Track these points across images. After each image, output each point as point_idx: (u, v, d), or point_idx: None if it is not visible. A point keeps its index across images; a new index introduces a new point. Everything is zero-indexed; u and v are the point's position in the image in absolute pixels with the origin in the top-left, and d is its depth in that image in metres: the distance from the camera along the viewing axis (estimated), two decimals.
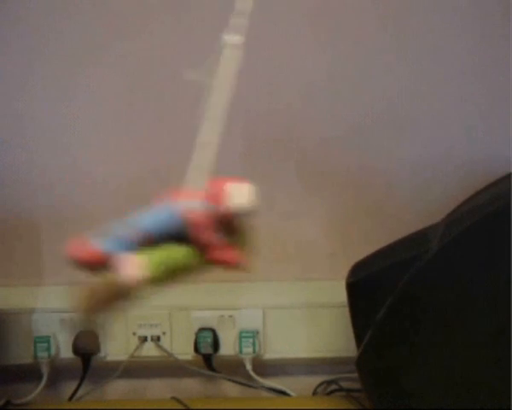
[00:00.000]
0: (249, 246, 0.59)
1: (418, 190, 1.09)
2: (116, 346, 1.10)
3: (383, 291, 0.88)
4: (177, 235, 0.56)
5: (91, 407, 1.08)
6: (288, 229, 1.11)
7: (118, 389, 1.13)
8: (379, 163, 1.09)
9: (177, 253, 0.56)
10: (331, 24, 1.06)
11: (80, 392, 1.11)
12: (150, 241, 0.56)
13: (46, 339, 1.08)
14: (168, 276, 0.56)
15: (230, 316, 1.09)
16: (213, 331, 1.08)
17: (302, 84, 1.08)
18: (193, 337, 1.08)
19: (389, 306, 0.87)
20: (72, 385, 1.11)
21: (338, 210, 1.11)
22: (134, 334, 1.09)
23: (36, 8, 1.05)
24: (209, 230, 0.56)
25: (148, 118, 1.09)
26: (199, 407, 1.06)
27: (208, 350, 1.08)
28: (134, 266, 0.54)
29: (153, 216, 0.57)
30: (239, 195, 0.57)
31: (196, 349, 1.08)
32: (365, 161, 1.09)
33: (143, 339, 1.09)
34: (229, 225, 0.57)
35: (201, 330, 1.08)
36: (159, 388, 1.14)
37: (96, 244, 0.55)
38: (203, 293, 1.11)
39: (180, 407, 1.07)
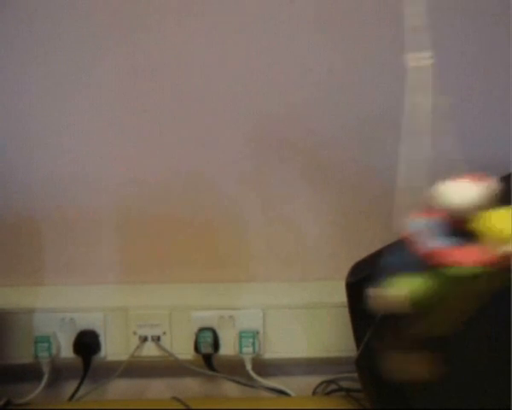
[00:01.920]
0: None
1: (418, 190, 1.09)
2: (116, 346, 1.10)
3: None
4: None
5: (91, 407, 1.09)
6: (289, 229, 1.12)
7: (118, 389, 1.13)
8: (379, 163, 1.09)
9: None
10: (333, 24, 1.06)
11: (80, 392, 1.11)
12: None
13: (46, 339, 1.08)
14: None
15: (230, 316, 1.09)
16: (213, 331, 1.08)
17: (303, 86, 1.08)
18: (193, 337, 1.08)
19: None
20: (73, 385, 1.11)
21: (338, 210, 1.11)
22: (134, 334, 1.09)
23: (37, 8, 1.05)
24: None
25: (149, 119, 1.09)
26: (199, 406, 1.07)
27: (208, 350, 1.08)
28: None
29: None
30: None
31: (196, 349, 1.08)
32: (366, 161, 1.09)
33: (144, 339, 1.09)
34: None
35: (201, 330, 1.08)
36: (159, 388, 1.14)
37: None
38: (203, 293, 1.11)
39: (180, 406, 1.07)
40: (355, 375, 0.97)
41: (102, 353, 1.10)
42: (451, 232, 0.55)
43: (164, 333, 1.09)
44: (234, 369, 1.10)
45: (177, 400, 1.08)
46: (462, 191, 0.56)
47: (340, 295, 0.96)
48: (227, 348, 1.09)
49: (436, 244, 0.54)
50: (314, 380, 1.12)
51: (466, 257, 0.52)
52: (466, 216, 0.55)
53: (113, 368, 1.09)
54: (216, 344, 1.08)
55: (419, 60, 0.69)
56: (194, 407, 1.06)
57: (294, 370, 1.13)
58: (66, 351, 1.09)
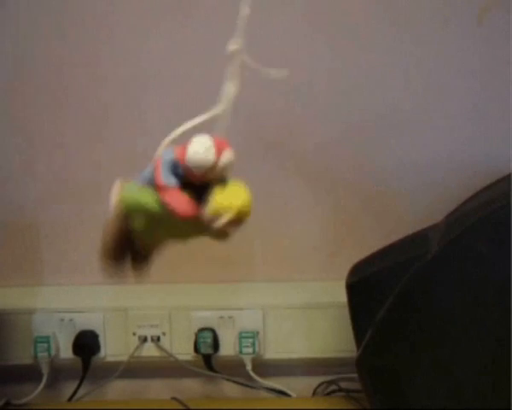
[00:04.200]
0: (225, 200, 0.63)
1: (418, 190, 1.09)
2: (116, 346, 1.10)
3: (383, 291, 0.88)
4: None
5: (91, 407, 1.09)
6: (288, 229, 1.11)
7: (118, 389, 1.13)
8: (379, 163, 1.09)
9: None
10: (331, 24, 1.06)
11: (80, 392, 1.11)
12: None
13: (46, 339, 1.08)
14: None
15: (230, 316, 1.08)
16: (213, 331, 1.08)
17: (301, 85, 1.08)
18: (193, 337, 1.08)
19: (389, 306, 0.87)
20: (72, 385, 1.11)
21: (338, 210, 1.11)
22: (134, 334, 1.09)
23: (38, 7, 1.05)
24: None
25: (150, 120, 1.09)
26: (199, 407, 1.07)
27: (208, 350, 1.08)
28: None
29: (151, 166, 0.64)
30: (197, 149, 0.62)
31: (196, 349, 1.08)
32: (365, 162, 1.09)
33: (143, 339, 1.09)
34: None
35: (201, 330, 1.08)
36: (159, 388, 1.14)
37: None
38: (203, 293, 1.11)
39: (180, 407, 1.07)
40: (355, 376, 0.96)
41: (102, 353, 1.10)
42: (182, 176, 0.62)
43: (163, 333, 1.09)
44: (234, 369, 1.10)
45: (177, 400, 1.08)
46: (206, 147, 0.63)
47: (340, 295, 0.95)
48: (227, 349, 1.09)
49: (163, 179, 0.63)
50: (314, 381, 1.12)
51: (175, 201, 0.61)
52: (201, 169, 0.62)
53: (112, 369, 1.09)
54: (216, 345, 1.08)
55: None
56: (193, 408, 1.06)
57: (294, 370, 1.13)
58: (66, 351, 1.09)
